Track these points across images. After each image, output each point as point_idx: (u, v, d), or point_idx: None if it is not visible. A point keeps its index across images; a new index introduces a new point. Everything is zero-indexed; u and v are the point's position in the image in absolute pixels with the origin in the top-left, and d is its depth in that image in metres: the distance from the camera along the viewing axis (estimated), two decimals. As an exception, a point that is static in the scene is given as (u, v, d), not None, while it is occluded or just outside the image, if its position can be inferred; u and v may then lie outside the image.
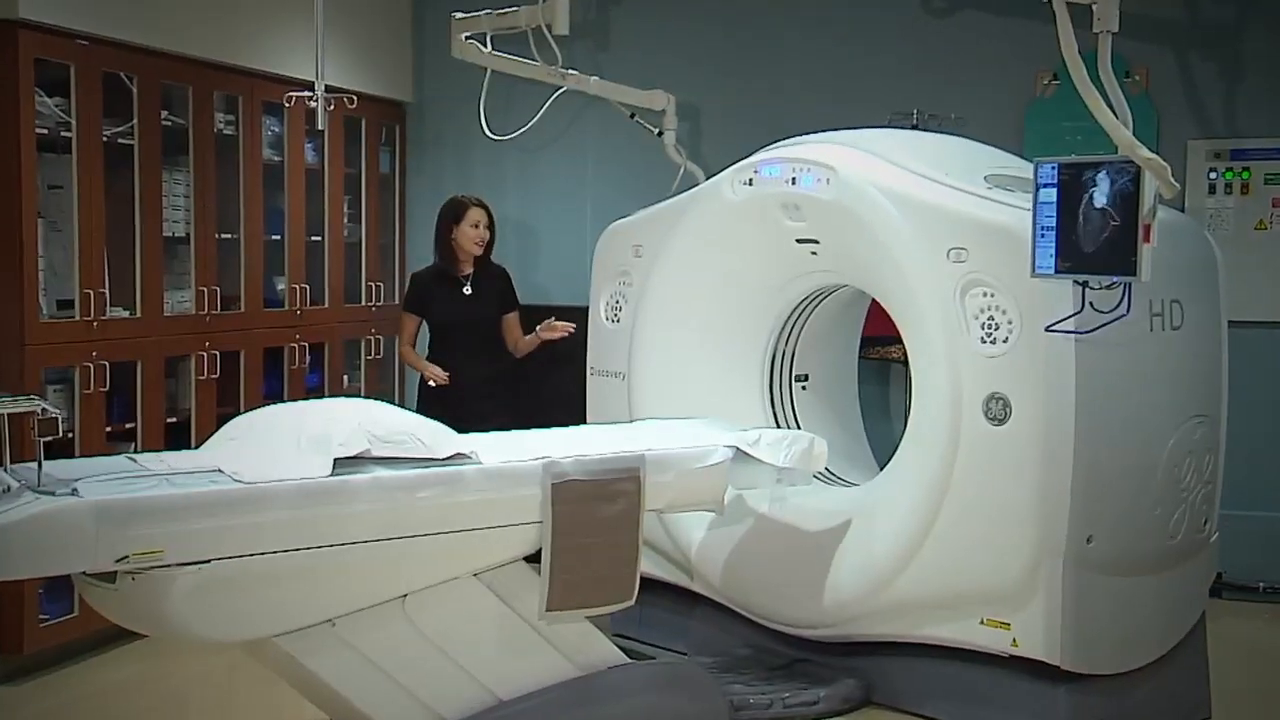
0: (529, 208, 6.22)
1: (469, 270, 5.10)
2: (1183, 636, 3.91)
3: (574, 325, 4.97)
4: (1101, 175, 3.34)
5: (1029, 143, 5.24)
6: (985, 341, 3.70)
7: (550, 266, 6.13)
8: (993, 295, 3.69)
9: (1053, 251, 3.43)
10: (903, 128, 4.91)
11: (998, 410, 3.68)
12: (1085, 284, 3.46)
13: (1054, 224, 3.42)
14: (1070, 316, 3.49)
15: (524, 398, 5.19)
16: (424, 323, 5.21)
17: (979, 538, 3.72)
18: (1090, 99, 3.31)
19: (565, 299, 5.64)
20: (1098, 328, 3.48)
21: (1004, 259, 3.64)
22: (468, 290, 5.08)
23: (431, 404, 4.81)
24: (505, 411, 4.88)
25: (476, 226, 5.08)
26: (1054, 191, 3.43)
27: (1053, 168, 3.44)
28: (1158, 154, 3.32)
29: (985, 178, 3.95)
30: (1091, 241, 3.35)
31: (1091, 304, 3.47)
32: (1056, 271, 3.44)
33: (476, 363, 5.05)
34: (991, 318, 3.69)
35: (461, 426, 3.47)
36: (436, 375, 5.01)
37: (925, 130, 4.87)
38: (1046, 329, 3.53)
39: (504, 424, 3.86)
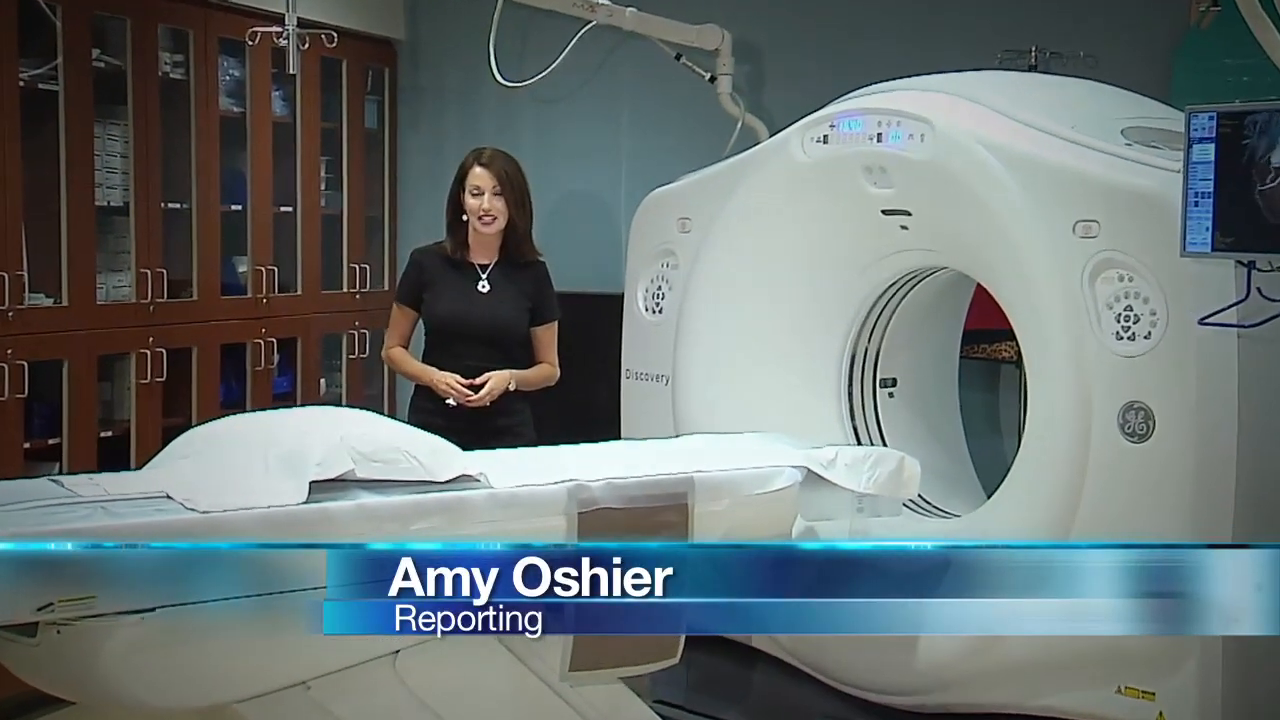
0: (550, 171, 6.20)
1: (487, 259, 4.52)
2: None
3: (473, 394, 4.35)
4: (1273, 127, 3.29)
5: (1178, 87, 5.18)
6: (1122, 337, 3.68)
7: (576, 245, 6.10)
8: (1131, 279, 3.67)
9: (1209, 224, 3.39)
10: (1018, 70, 4.87)
11: (1137, 423, 3.65)
12: (1251, 265, 3.41)
13: (1211, 189, 3.38)
14: (1231, 306, 3.46)
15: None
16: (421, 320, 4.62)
17: (1114, 583, 3.69)
18: (1260, 29, 3.28)
19: (594, 285, 5.63)
20: (1266, 320, 3.45)
21: (1146, 233, 3.62)
22: (484, 286, 4.50)
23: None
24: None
25: (478, 195, 4.42)
26: (1211, 148, 3.39)
27: (1210, 118, 3.39)
28: (1345, 99, 3.29)
29: (1122, 131, 3.92)
30: (1259, 211, 3.31)
31: (1259, 290, 3.43)
32: (1213, 249, 3.40)
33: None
34: (1130, 307, 3.68)
35: None
36: (453, 388, 4.35)
37: (1046, 73, 4.83)
38: (1200, 322, 3.51)
39: None
